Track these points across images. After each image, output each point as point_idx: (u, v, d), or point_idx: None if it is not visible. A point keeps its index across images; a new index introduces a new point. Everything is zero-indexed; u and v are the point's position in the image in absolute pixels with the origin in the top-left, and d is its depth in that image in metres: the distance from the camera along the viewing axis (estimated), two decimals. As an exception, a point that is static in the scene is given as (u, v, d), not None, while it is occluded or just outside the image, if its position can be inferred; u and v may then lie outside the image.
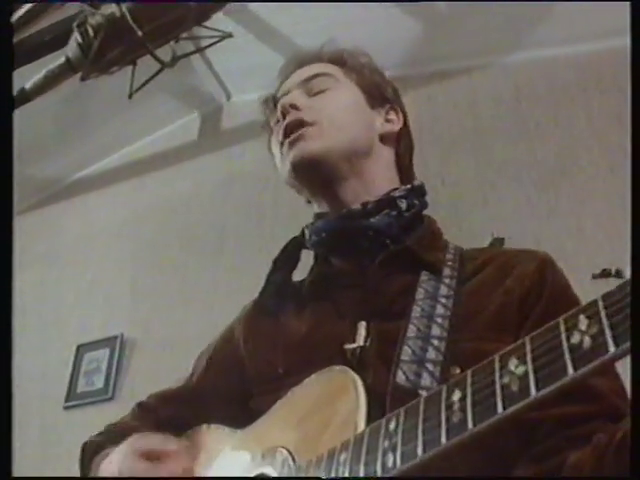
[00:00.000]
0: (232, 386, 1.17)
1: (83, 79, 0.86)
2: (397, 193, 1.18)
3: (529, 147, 2.86)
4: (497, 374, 0.63)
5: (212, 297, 3.11)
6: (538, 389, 0.58)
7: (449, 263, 1.11)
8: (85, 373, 3.25)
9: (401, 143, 1.29)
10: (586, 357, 0.56)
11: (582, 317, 0.58)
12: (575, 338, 0.58)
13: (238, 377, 1.16)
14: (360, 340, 1.00)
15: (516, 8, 2.78)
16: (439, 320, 0.99)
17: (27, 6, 1.07)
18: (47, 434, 3.16)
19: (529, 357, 0.61)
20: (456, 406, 0.64)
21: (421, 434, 0.66)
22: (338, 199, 1.18)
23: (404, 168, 1.27)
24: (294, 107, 1.19)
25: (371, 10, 2.90)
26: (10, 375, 0.78)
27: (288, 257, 1.23)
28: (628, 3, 0.68)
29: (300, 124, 1.17)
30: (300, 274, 1.23)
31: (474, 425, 0.62)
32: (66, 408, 3.20)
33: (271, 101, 1.31)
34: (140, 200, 3.81)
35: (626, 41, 0.67)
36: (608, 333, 0.55)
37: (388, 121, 1.27)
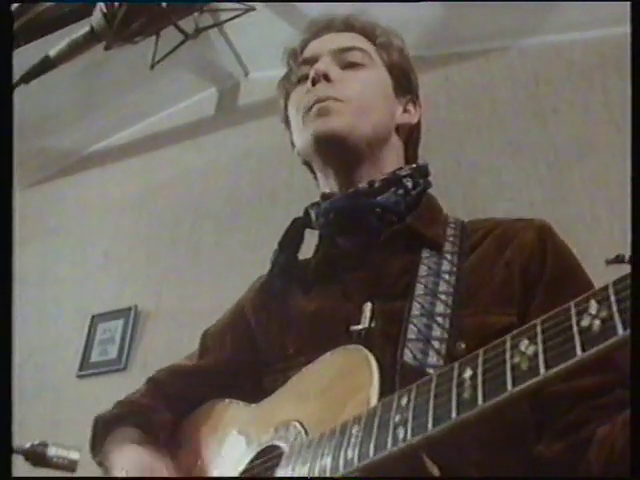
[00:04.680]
0: (245, 363, 1.18)
1: (107, 48, 0.87)
2: (403, 172, 1.18)
3: (545, 131, 2.84)
4: (508, 354, 0.64)
5: (226, 271, 3.12)
6: (547, 368, 0.60)
7: (450, 238, 1.11)
8: (99, 343, 3.28)
9: (413, 136, 1.29)
10: (595, 339, 0.58)
11: (593, 302, 0.60)
12: (585, 321, 0.59)
13: (250, 354, 1.17)
14: (365, 322, 1.01)
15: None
16: (442, 297, 1.00)
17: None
18: (60, 402, 3.20)
19: (540, 338, 0.62)
20: (467, 383, 0.66)
21: (432, 409, 0.67)
22: (349, 180, 1.16)
23: (410, 158, 1.27)
24: (326, 78, 1.17)
25: (390, -9, 2.88)
26: (10, 373, 0.79)
27: (292, 238, 1.22)
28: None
29: (329, 99, 1.15)
30: (304, 254, 1.23)
31: (484, 401, 0.63)
32: (79, 377, 3.24)
33: (295, 56, 1.28)
34: (156, 173, 3.83)
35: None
36: (617, 317, 0.57)
37: (406, 112, 1.27)
